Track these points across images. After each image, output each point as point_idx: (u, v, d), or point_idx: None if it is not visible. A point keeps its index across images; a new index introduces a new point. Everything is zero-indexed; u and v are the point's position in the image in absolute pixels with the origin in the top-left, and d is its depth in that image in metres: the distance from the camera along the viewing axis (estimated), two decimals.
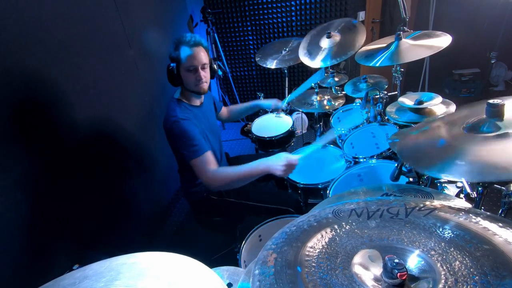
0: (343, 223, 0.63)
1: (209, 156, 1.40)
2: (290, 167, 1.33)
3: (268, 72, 3.49)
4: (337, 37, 1.97)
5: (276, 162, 1.33)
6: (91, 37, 1.66)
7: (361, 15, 3.06)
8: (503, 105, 0.81)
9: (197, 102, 1.60)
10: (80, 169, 1.57)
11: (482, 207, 1.00)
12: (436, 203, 0.65)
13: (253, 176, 1.38)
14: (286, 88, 2.79)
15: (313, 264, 0.54)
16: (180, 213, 2.57)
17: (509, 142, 0.73)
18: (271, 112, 2.41)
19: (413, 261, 0.53)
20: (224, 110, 2.02)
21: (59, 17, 1.45)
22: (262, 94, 2.51)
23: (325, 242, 0.59)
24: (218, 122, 1.92)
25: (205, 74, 1.50)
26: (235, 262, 1.26)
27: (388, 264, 0.48)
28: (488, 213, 0.59)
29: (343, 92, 2.16)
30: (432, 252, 0.53)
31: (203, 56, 1.46)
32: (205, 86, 1.52)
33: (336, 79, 2.29)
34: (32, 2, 1.32)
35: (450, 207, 0.62)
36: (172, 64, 1.48)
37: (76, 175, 1.54)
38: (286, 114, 2.35)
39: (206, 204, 1.67)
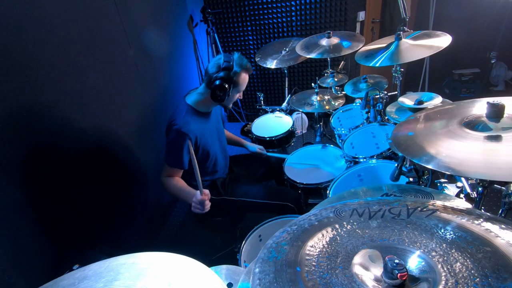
0: (344, 223, 0.63)
1: (174, 170, 1.53)
2: (197, 204, 1.39)
3: (268, 72, 3.49)
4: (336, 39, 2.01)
5: (193, 202, 1.41)
6: (91, 37, 1.66)
7: (361, 15, 3.06)
8: (503, 105, 0.81)
9: (208, 109, 1.62)
10: (80, 169, 1.57)
11: (482, 207, 1.00)
12: (439, 204, 0.64)
13: (182, 200, 1.52)
14: (286, 88, 2.79)
15: (313, 263, 0.54)
16: (180, 213, 2.56)
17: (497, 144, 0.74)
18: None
19: (414, 262, 0.53)
20: None
21: (59, 17, 1.45)
22: (262, 94, 2.52)
23: (326, 242, 0.59)
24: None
25: None
26: (235, 262, 1.26)
27: (388, 264, 0.48)
28: (490, 214, 0.59)
29: (343, 92, 2.16)
30: (433, 253, 0.53)
31: None
32: None
33: (336, 79, 2.28)
34: (32, 2, 1.31)
35: (452, 208, 0.62)
36: (220, 82, 1.45)
37: (76, 174, 1.54)
38: (286, 114, 2.35)
39: None
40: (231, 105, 1.63)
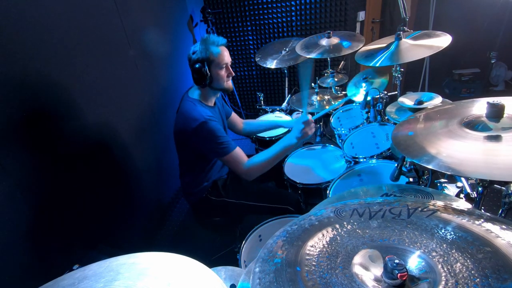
0: (345, 223, 0.63)
1: (239, 151, 1.48)
2: (309, 127, 1.43)
3: (268, 72, 3.49)
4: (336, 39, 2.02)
5: (297, 130, 1.43)
6: (91, 37, 1.66)
7: (361, 15, 3.06)
8: (503, 105, 0.81)
9: (212, 103, 1.61)
10: (80, 169, 1.57)
11: (482, 207, 1.00)
12: (439, 204, 0.64)
13: (282, 156, 1.49)
14: (286, 88, 2.79)
15: (313, 263, 0.54)
16: (180, 213, 2.56)
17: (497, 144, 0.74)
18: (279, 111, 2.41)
19: (414, 262, 0.53)
20: (237, 121, 1.95)
21: (59, 17, 1.45)
22: (262, 94, 2.52)
23: (326, 241, 0.59)
24: None
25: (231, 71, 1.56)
26: (235, 262, 1.26)
27: (388, 264, 0.48)
28: (491, 214, 0.59)
29: (343, 92, 2.16)
30: (433, 253, 0.53)
31: (228, 54, 1.53)
32: (231, 83, 1.58)
33: (336, 79, 2.28)
34: (32, 2, 1.31)
35: (453, 208, 0.62)
36: (198, 65, 1.46)
37: (75, 174, 1.53)
38: (286, 114, 2.35)
39: (206, 204, 1.67)
40: (226, 84, 1.54)
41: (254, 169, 1.49)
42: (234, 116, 1.92)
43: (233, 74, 1.56)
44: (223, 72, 1.51)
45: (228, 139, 1.46)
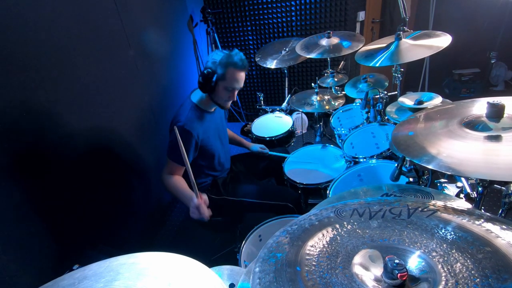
0: (345, 223, 0.63)
1: (176, 167, 1.53)
2: (197, 210, 1.38)
3: (268, 72, 3.49)
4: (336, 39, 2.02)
5: (191, 207, 1.39)
6: (91, 37, 1.66)
7: (361, 15, 3.06)
8: (503, 105, 0.81)
9: (212, 109, 1.63)
10: (80, 169, 1.57)
11: (482, 207, 1.00)
12: (439, 204, 0.64)
13: (181, 200, 1.51)
14: (286, 88, 2.79)
15: (314, 263, 0.54)
16: (180, 213, 2.56)
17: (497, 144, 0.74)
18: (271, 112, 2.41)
19: (414, 262, 0.53)
20: None
21: (58, 17, 1.45)
22: (262, 94, 2.52)
23: (326, 241, 0.59)
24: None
25: (236, 95, 1.57)
26: (235, 262, 1.26)
27: (388, 264, 0.48)
28: (491, 215, 0.59)
29: (343, 92, 2.16)
30: (434, 254, 0.53)
31: (243, 80, 1.53)
32: (229, 104, 1.61)
33: (336, 79, 2.28)
34: (32, 2, 1.31)
35: (453, 208, 0.62)
36: (208, 71, 1.47)
37: (75, 174, 1.53)
38: (286, 114, 2.35)
39: None
40: (224, 103, 1.56)
41: (166, 184, 1.54)
42: None
43: (234, 99, 1.56)
44: (226, 93, 1.52)
45: (179, 153, 1.48)
